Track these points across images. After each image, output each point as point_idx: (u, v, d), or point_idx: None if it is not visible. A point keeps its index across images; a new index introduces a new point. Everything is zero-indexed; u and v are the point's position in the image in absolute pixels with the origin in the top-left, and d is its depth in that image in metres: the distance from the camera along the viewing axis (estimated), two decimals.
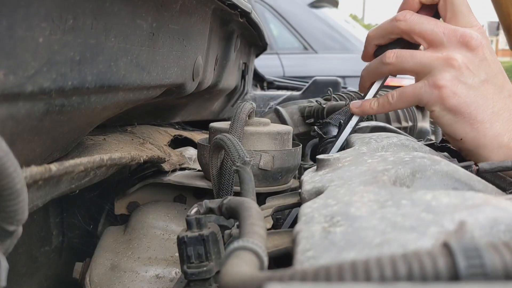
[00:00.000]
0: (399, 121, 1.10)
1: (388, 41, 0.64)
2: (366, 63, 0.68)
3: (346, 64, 3.13)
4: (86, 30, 0.41)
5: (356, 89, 1.37)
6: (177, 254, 0.53)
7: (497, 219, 0.28)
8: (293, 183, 0.76)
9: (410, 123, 1.12)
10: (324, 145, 0.82)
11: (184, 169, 0.82)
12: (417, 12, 0.62)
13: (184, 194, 0.79)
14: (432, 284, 0.20)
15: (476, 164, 0.53)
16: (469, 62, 0.57)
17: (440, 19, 0.62)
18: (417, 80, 0.61)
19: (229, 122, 0.69)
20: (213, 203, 0.43)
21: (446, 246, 0.21)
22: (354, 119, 0.69)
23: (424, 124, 1.20)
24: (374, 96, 0.67)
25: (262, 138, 0.70)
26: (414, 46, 0.62)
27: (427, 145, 0.63)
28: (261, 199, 0.63)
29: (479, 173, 0.52)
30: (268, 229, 0.48)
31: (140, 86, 0.56)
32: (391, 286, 0.19)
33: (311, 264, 0.27)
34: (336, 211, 0.32)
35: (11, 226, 0.32)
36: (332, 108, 1.04)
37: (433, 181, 0.42)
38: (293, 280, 0.22)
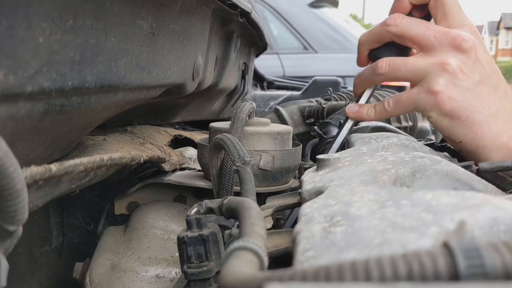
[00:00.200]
0: (399, 121, 1.10)
1: (380, 45, 0.64)
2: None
3: (346, 64, 3.13)
4: (86, 30, 0.41)
5: None
6: (177, 254, 0.53)
7: (497, 219, 0.28)
8: (293, 183, 0.76)
9: (410, 123, 1.12)
10: (324, 145, 0.82)
11: (184, 169, 0.82)
12: (409, 12, 0.62)
13: (184, 194, 0.79)
14: (432, 284, 0.20)
15: (476, 164, 0.53)
16: (462, 64, 0.57)
17: (432, 20, 0.63)
18: (412, 86, 0.61)
19: (229, 122, 0.69)
20: (213, 203, 0.43)
21: (446, 246, 0.21)
22: (351, 121, 0.69)
23: (424, 124, 1.20)
24: (367, 101, 0.67)
25: (262, 138, 0.70)
26: (406, 48, 0.63)
27: (427, 145, 0.63)
28: (261, 199, 0.62)
29: (479, 173, 0.52)
30: (268, 229, 0.48)
31: (140, 86, 0.56)
32: (391, 286, 0.19)
33: (311, 264, 0.27)
34: (336, 211, 0.32)
35: (11, 226, 0.32)
36: (332, 108, 1.04)
37: (433, 181, 0.42)
38: (293, 280, 0.22)
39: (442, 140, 0.68)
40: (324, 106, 1.07)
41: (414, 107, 0.60)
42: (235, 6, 0.80)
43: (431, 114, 0.59)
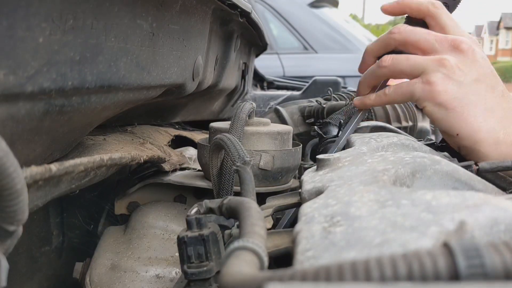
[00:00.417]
0: (399, 121, 1.10)
1: (385, 53, 0.67)
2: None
3: (346, 64, 3.13)
4: (86, 30, 0.41)
5: (355, 88, 1.37)
6: (177, 254, 0.53)
7: (497, 219, 0.28)
8: (293, 183, 0.76)
9: (410, 123, 1.12)
10: (324, 145, 0.82)
11: (184, 169, 0.82)
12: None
13: (184, 194, 0.79)
14: (432, 284, 0.20)
15: (476, 164, 0.53)
16: (460, 62, 0.60)
17: None
18: None
19: (229, 122, 0.69)
20: (213, 203, 0.43)
21: (446, 246, 0.21)
22: (354, 119, 0.70)
23: (424, 124, 1.20)
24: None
25: (262, 138, 0.70)
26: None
27: (427, 145, 0.63)
28: (261, 199, 0.63)
29: (479, 172, 0.52)
30: (268, 229, 0.48)
31: (140, 86, 0.56)
32: (391, 286, 0.19)
33: (311, 264, 0.27)
34: (336, 211, 0.32)
35: (11, 226, 0.32)
36: (332, 108, 1.04)
37: (433, 181, 0.42)
38: (293, 280, 0.22)
39: (442, 140, 0.68)
40: (324, 106, 1.07)
41: (410, 95, 0.63)
42: (235, 6, 0.80)
43: (425, 104, 0.61)
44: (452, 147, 0.64)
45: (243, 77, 1.35)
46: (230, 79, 1.12)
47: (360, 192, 0.35)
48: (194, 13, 0.67)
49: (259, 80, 2.05)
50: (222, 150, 0.61)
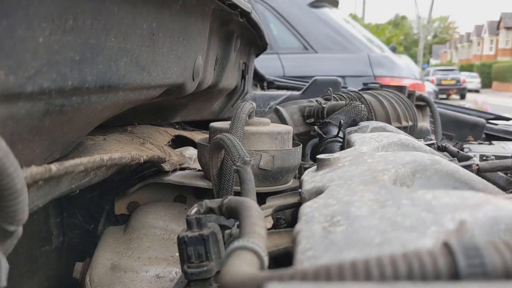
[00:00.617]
0: (399, 121, 1.10)
1: None
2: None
3: (346, 64, 3.13)
4: (86, 30, 0.41)
5: (355, 89, 1.37)
6: (177, 254, 0.53)
7: (497, 218, 0.28)
8: (293, 183, 0.76)
9: (410, 123, 1.12)
10: (324, 145, 0.82)
11: (184, 169, 0.82)
12: None
13: (184, 194, 0.79)
14: (432, 284, 0.20)
15: (476, 164, 0.53)
16: None
17: None
18: None
19: (229, 122, 0.69)
20: (213, 203, 0.43)
21: (446, 246, 0.21)
22: None
23: (424, 124, 1.20)
24: None
25: (262, 138, 0.70)
26: None
27: (427, 145, 0.63)
28: (261, 199, 0.63)
29: (479, 172, 0.52)
30: (268, 229, 0.48)
31: (140, 86, 0.56)
32: (391, 286, 0.19)
33: (311, 263, 0.27)
34: (336, 211, 0.32)
35: (11, 226, 0.32)
36: (332, 108, 1.04)
37: (433, 180, 0.42)
38: (293, 280, 0.22)
39: (442, 140, 0.68)
40: (324, 106, 1.07)
41: None
42: (235, 6, 0.80)
43: None
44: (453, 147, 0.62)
45: (243, 77, 1.35)
46: (230, 79, 1.12)
47: (360, 192, 0.35)
48: (194, 13, 0.67)
49: (259, 80, 2.05)
50: (222, 150, 0.61)
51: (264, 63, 2.20)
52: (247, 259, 0.27)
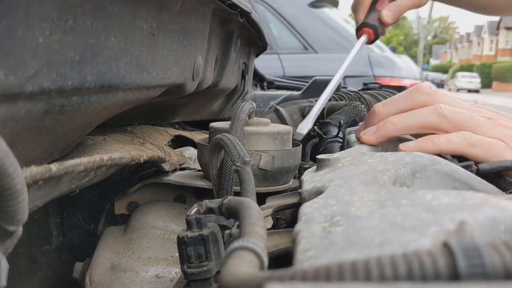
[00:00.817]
0: None
1: None
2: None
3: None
4: (86, 30, 0.41)
5: (355, 89, 1.37)
6: (177, 254, 0.53)
7: (497, 219, 0.28)
8: (293, 183, 0.76)
9: None
10: (324, 145, 0.82)
11: (184, 169, 0.82)
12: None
13: (184, 194, 0.79)
14: (432, 284, 0.20)
15: (476, 164, 0.53)
16: None
17: None
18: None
19: (229, 122, 0.69)
20: (213, 203, 0.43)
21: (446, 246, 0.21)
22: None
23: None
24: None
25: (262, 138, 0.70)
26: None
27: None
28: (261, 199, 0.63)
29: (479, 173, 0.52)
30: (268, 229, 0.48)
31: (140, 86, 0.56)
32: (391, 286, 0.19)
33: (311, 264, 0.27)
34: (336, 211, 0.32)
35: (11, 226, 0.32)
36: (332, 108, 1.04)
37: (433, 181, 0.42)
38: (293, 280, 0.22)
39: None
40: (324, 106, 1.06)
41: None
42: (235, 6, 0.80)
43: None
44: None
45: (243, 77, 1.35)
46: (230, 79, 1.12)
47: (360, 192, 0.35)
48: (194, 13, 0.67)
49: (259, 80, 2.05)
50: (222, 150, 0.61)
51: (264, 63, 2.20)
52: (247, 259, 0.27)
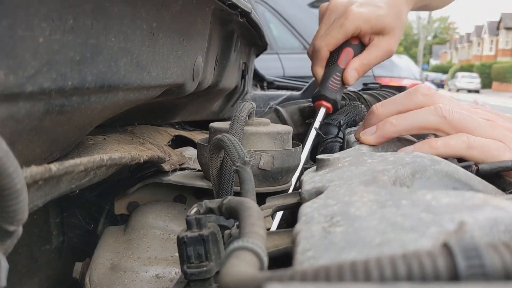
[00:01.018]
0: None
1: None
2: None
3: None
4: (86, 30, 0.41)
5: (355, 89, 1.37)
6: (177, 254, 0.53)
7: (497, 219, 0.28)
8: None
9: None
10: (324, 145, 0.82)
11: (184, 169, 0.82)
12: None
13: (184, 194, 0.79)
14: (432, 285, 0.20)
15: (476, 164, 0.53)
16: None
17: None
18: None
19: (229, 122, 0.69)
20: (213, 203, 0.43)
21: (446, 246, 0.21)
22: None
23: None
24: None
25: (262, 138, 0.70)
26: None
27: None
28: (261, 199, 0.63)
29: (479, 173, 0.52)
30: (268, 229, 0.48)
31: (140, 86, 0.56)
32: (391, 286, 0.19)
33: (311, 264, 0.27)
34: (336, 211, 0.32)
35: (11, 226, 0.32)
36: None
37: (433, 181, 0.42)
38: (293, 280, 0.22)
39: None
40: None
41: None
42: (235, 6, 0.80)
43: None
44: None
45: (243, 77, 1.35)
46: (230, 79, 1.12)
47: (360, 192, 0.35)
48: (194, 13, 0.67)
49: (259, 80, 2.05)
50: (222, 150, 0.61)
51: (264, 63, 2.20)
52: (246, 260, 0.27)
